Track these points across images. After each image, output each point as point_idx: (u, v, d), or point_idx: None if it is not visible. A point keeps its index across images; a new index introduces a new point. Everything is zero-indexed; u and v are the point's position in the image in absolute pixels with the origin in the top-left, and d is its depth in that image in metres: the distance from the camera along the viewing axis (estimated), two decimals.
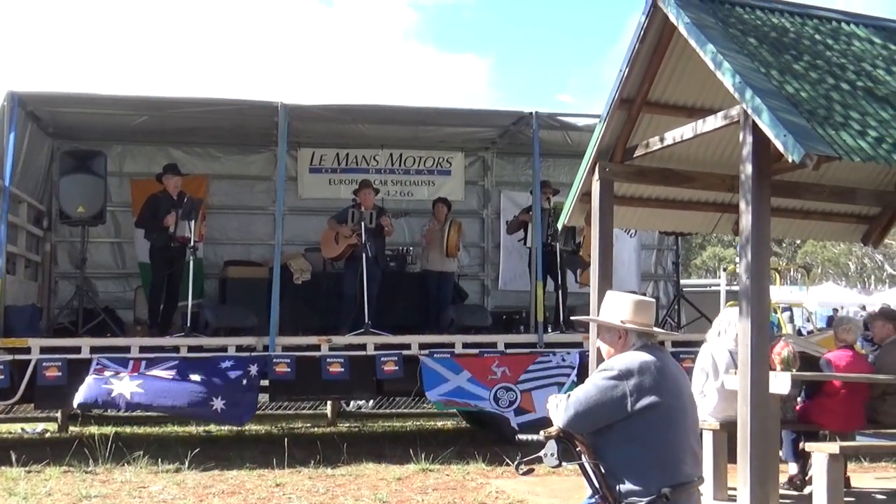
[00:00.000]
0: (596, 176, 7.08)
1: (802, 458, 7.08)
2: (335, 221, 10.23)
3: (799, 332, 19.43)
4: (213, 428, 11.09)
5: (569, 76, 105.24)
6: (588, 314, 6.13)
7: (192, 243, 9.40)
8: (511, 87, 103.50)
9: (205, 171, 11.70)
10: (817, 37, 6.26)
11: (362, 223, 9.86)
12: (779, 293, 17.25)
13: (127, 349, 8.75)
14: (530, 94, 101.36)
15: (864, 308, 26.37)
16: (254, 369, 8.78)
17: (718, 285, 15.16)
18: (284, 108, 9.42)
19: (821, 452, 5.86)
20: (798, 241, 45.35)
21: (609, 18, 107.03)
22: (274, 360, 8.87)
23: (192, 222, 9.45)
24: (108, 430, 9.91)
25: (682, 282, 13.19)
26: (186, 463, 7.98)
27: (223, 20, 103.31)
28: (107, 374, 8.41)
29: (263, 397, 10.81)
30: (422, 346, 9.32)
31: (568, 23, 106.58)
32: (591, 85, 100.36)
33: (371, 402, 12.81)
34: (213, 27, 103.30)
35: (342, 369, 9.00)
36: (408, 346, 9.31)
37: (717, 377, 6.73)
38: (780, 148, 4.84)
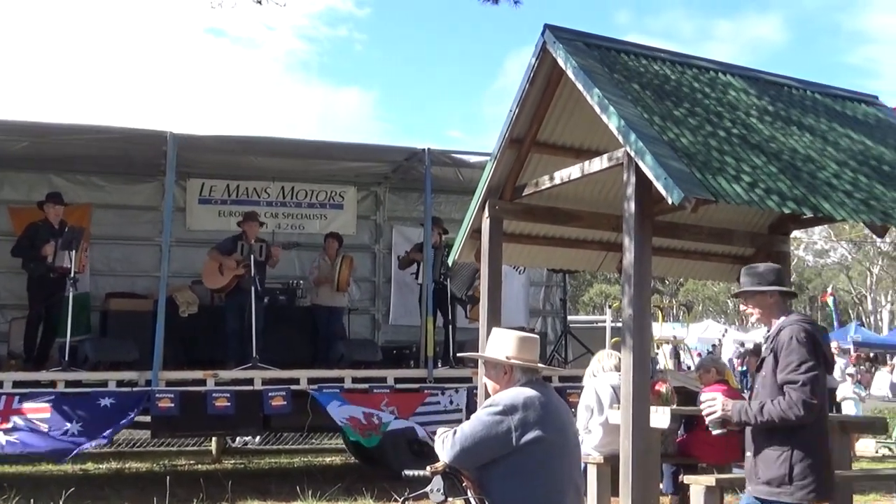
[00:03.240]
0: (486, 213, 7.18)
1: (682, 491, 7.28)
2: (218, 252, 10.05)
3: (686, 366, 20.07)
4: (90, 466, 10.67)
5: (451, 111, 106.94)
6: (477, 350, 6.19)
7: (72, 274, 9.07)
8: (395, 121, 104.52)
9: (88, 200, 11.32)
10: (696, 85, 6.54)
11: (251, 256, 9.73)
12: (661, 330, 17.76)
13: None
14: (415, 128, 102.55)
15: (742, 345, 27.48)
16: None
17: (604, 321, 15.49)
18: (174, 137, 9.24)
19: (698, 485, 6.03)
20: (680, 280, 46.91)
21: (487, 57, 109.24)
22: (157, 395, 8.61)
23: (73, 252, 9.13)
24: None
25: (570, 318, 13.47)
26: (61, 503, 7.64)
27: (109, 49, 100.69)
28: None
29: (145, 433, 10.47)
30: (310, 381, 9.21)
31: (449, 60, 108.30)
32: (472, 119, 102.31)
33: (258, 437, 12.58)
34: (99, 56, 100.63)
35: (228, 404, 8.81)
36: (296, 381, 9.18)
37: (602, 412, 6.87)
38: (661, 190, 5.02)
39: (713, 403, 4.38)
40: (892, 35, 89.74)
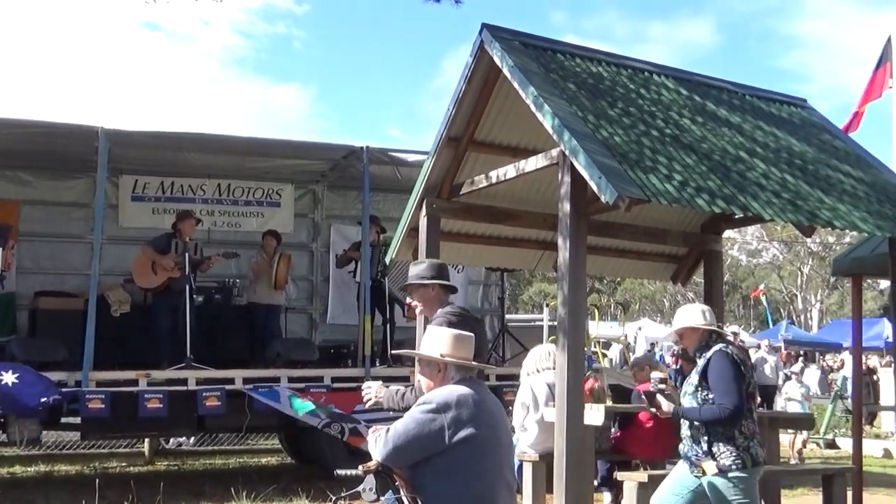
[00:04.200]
0: (423, 212, 7.18)
1: (616, 487, 7.37)
2: (152, 249, 9.86)
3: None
4: (17, 469, 10.39)
5: (390, 110, 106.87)
6: (415, 348, 6.18)
7: None
8: (334, 118, 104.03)
9: (16, 197, 11.02)
10: (630, 85, 6.62)
11: (186, 255, 9.57)
12: (598, 328, 17.96)
13: None
14: (354, 126, 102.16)
15: (652, 345, 28.02)
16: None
17: (542, 320, 15.62)
18: (105, 133, 9.04)
19: (631, 481, 6.11)
20: (618, 279, 47.49)
21: (426, 55, 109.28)
22: (87, 396, 8.41)
23: None
24: None
25: (508, 316, 13.55)
26: None
27: (41, 42, 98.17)
28: None
29: (75, 435, 10.23)
30: (246, 381, 9.10)
31: (388, 58, 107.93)
32: (411, 118, 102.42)
33: (192, 438, 12.40)
34: (30, 49, 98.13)
35: (161, 405, 8.65)
36: (231, 381, 9.07)
37: (537, 410, 6.91)
38: (595, 189, 5.06)
39: (369, 391, 4.88)
40: (822, 41, 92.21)
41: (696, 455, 4.81)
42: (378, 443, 3.65)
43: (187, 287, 9.46)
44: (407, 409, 3.86)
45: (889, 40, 17.61)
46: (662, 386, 5.12)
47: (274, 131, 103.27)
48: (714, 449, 4.73)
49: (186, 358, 9.09)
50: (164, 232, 10.24)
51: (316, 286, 12.77)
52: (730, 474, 4.67)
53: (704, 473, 4.75)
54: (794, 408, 13.51)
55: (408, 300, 5.29)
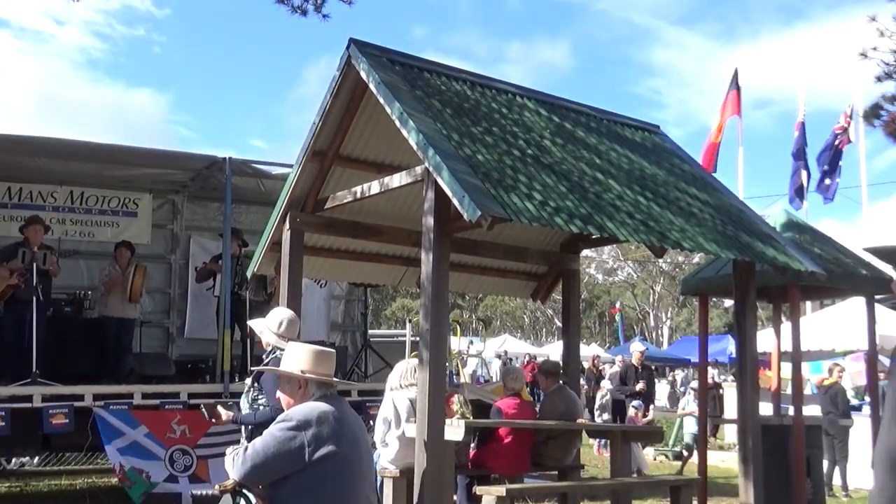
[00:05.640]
0: (287, 225, 7.10)
1: (475, 502, 7.44)
2: None
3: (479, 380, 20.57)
4: None
5: (253, 120, 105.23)
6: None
7: None
8: (196, 127, 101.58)
9: None
10: (494, 105, 6.75)
11: (34, 264, 9.11)
12: (460, 344, 18.16)
13: None
14: (218, 136, 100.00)
15: (535, 358, 28.54)
16: None
17: (405, 335, 15.67)
18: None
19: (489, 495, 6.20)
20: (480, 295, 48.18)
21: (287, 65, 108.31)
22: None
23: None
24: None
25: (371, 332, 13.54)
26: None
27: None
28: None
29: None
30: (97, 397, 8.71)
31: (250, 66, 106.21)
32: (274, 128, 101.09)
33: (36, 458, 11.76)
34: None
35: (3, 423, 8.17)
36: (80, 398, 8.66)
37: (399, 426, 6.92)
38: (458, 206, 5.10)
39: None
40: (675, 69, 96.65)
41: None
42: (236, 461, 3.58)
43: (34, 298, 8.99)
44: (262, 424, 3.80)
45: (735, 73, 18.70)
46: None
47: (129, 137, 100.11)
48: None
49: (32, 373, 8.64)
50: (11, 241, 9.71)
51: (174, 299, 12.40)
52: None
53: None
54: (690, 424, 13.35)
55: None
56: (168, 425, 8.83)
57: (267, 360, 5.16)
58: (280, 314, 5.45)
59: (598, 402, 16.21)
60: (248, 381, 4.93)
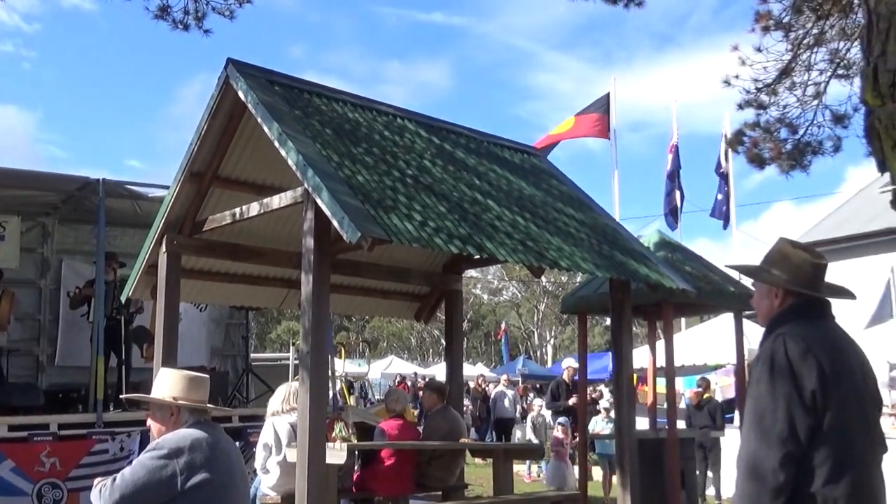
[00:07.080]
0: (163, 248, 6.94)
1: None
2: None
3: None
4: None
5: (128, 139, 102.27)
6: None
7: None
8: (68, 146, 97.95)
9: None
10: (375, 126, 6.77)
11: None
12: (345, 366, 18.05)
13: None
14: (92, 156, 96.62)
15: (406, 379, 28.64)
16: None
17: (288, 359, 15.46)
18: None
19: None
20: (366, 317, 47.99)
21: (160, 83, 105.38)
22: None
23: None
24: None
25: (253, 356, 13.31)
26: None
27: None
28: None
29: None
30: None
31: (123, 84, 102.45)
32: (150, 148, 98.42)
33: None
34: None
35: None
36: None
37: (280, 451, 6.80)
38: (338, 228, 5.08)
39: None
40: (555, 93, 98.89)
41: None
42: (104, 493, 3.45)
43: None
44: None
45: (608, 96, 19.31)
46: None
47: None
48: None
49: None
50: None
51: (44, 325, 11.85)
52: None
53: None
54: (604, 445, 12.82)
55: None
56: (37, 458, 8.42)
57: None
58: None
59: (529, 422, 15.84)
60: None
